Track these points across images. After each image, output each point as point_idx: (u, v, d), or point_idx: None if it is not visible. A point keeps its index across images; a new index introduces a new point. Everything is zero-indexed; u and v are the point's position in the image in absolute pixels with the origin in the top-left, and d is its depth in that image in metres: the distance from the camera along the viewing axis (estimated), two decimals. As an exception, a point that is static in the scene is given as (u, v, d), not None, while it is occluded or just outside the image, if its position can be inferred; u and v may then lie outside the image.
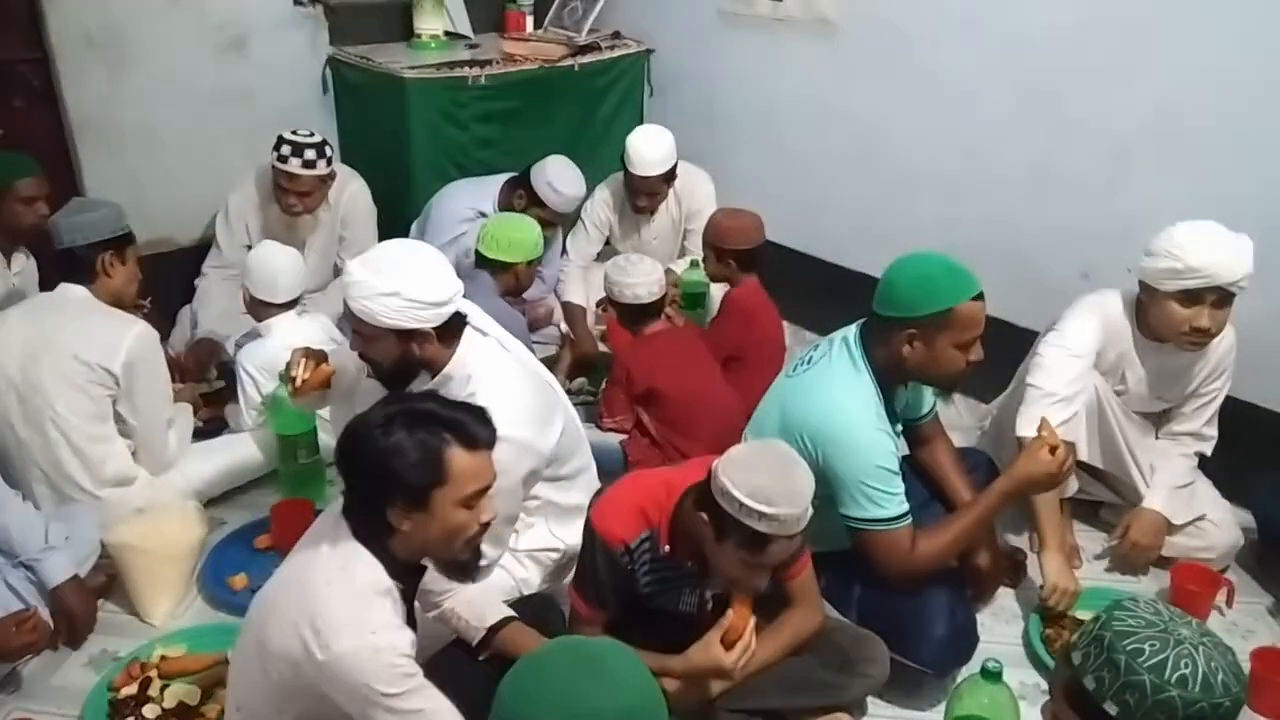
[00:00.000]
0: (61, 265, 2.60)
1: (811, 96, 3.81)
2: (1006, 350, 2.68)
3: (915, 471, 2.47)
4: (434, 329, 2.06)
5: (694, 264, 3.55)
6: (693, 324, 3.35)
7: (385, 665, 1.54)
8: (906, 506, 2.15)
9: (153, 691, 2.17)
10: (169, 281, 3.54)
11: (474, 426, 1.60)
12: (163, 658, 2.26)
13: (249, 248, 3.55)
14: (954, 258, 2.16)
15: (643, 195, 3.59)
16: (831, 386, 2.20)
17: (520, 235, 3.05)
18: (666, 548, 1.94)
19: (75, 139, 3.51)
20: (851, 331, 2.28)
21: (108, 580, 2.47)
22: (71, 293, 2.57)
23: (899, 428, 2.35)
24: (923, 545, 2.15)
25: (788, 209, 3.79)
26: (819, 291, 3.71)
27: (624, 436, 2.93)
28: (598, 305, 3.83)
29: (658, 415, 2.88)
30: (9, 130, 3.43)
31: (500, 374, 2.15)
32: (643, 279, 2.85)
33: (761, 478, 1.76)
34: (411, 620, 1.72)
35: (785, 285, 3.32)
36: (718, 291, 3.50)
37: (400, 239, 2.13)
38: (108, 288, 2.60)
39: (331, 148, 3.41)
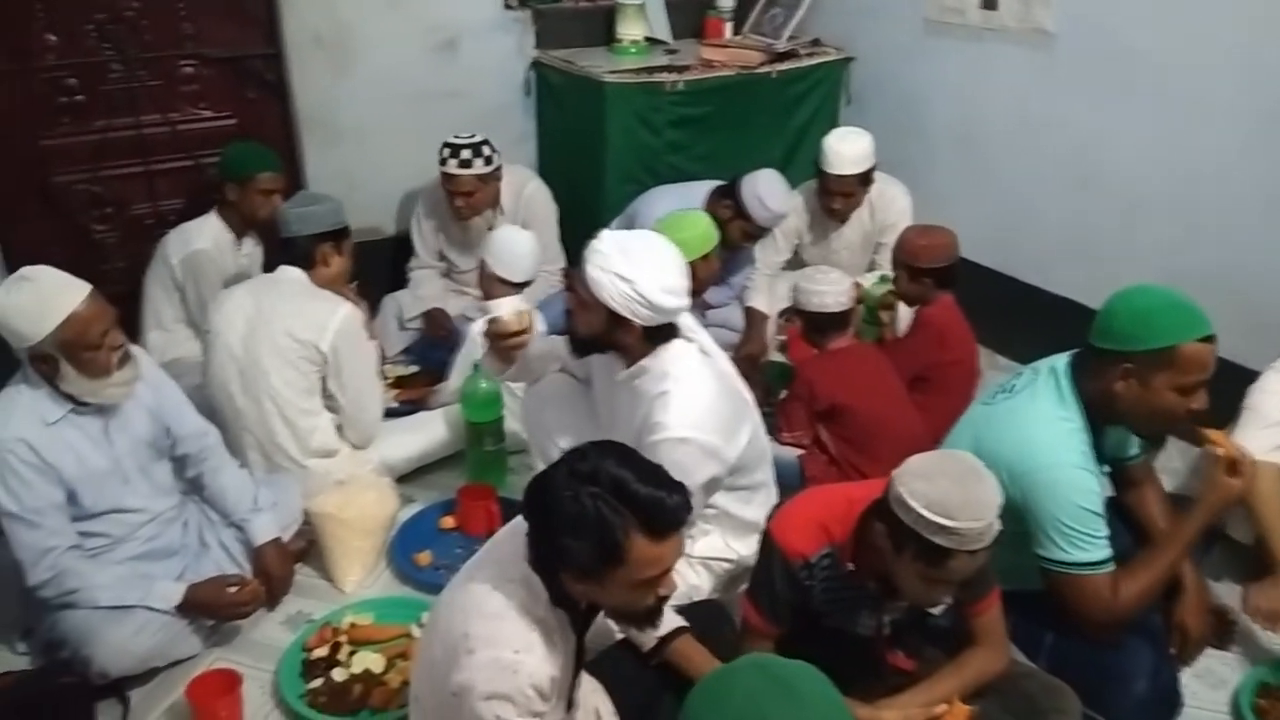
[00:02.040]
0: (284, 251, 2.79)
1: (1022, 110, 3.64)
2: (1232, 396, 2.48)
3: (1121, 516, 2.31)
4: (644, 327, 2.08)
5: (882, 279, 3.45)
6: (874, 343, 3.26)
7: (515, 688, 1.51)
8: (1110, 552, 2.02)
9: (341, 656, 2.30)
10: (375, 268, 3.73)
11: (666, 507, 1.49)
12: (352, 625, 2.39)
13: (441, 253, 3.74)
14: (1182, 293, 2.01)
15: (837, 197, 3.50)
16: (1034, 417, 2.09)
17: (686, 235, 2.96)
18: (850, 566, 1.89)
19: (301, 131, 3.76)
20: (1062, 361, 2.15)
21: (306, 546, 2.64)
22: (289, 274, 2.76)
23: (1106, 468, 2.20)
24: (1124, 589, 2.01)
25: (988, 227, 3.64)
26: (1017, 315, 3.55)
27: (802, 452, 2.87)
28: (780, 315, 3.81)
29: (839, 433, 2.82)
30: (241, 120, 3.72)
31: (695, 377, 2.15)
32: (831, 288, 2.80)
33: (942, 488, 1.69)
34: (580, 652, 1.71)
35: (981, 306, 3.18)
36: (904, 311, 3.41)
37: (656, 235, 2.14)
38: (323, 275, 2.78)
39: (491, 148, 3.48)
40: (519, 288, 3.00)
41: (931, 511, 1.67)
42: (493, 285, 3.01)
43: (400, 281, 3.81)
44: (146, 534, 2.37)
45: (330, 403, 2.77)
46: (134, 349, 2.29)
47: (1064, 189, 3.56)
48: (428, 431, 3.03)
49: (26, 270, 2.15)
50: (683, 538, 1.56)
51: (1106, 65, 3.34)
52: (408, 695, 2.15)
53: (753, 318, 3.67)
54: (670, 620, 1.97)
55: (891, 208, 3.63)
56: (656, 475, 1.53)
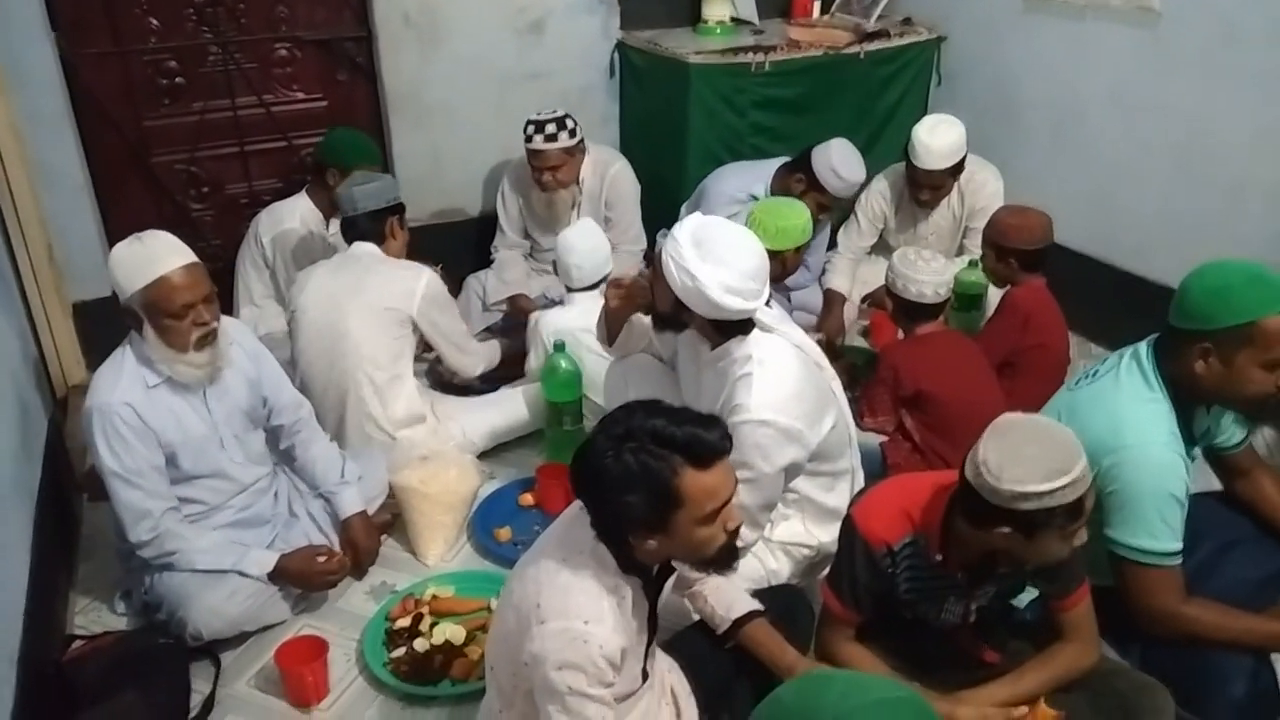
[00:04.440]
0: (354, 228, 2.87)
1: (1123, 91, 3.51)
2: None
3: (1230, 507, 2.23)
4: (707, 319, 2.07)
5: (972, 264, 3.37)
6: (963, 330, 3.18)
7: (585, 658, 1.53)
8: (1178, 547, 1.95)
9: (423, 627, 2.34)
10: (460, 248, 3.79)
11: (705, 440, 1.52)
12: (434, 596, 2.43)
13: (525, 231, 3.77)
14: (1263, 267, 1.93)
15: (926, 189, 3.45)
16: (1120, 400, 2.03)
17: (788, 223, 2.98)
18: (939, 556, 1.85)
19: (388, 112, 3.82)
20: (1144, 346, 2.09)
21: (391, 519, 2.69)
22: (364, 249, 2.85)
23: (1195, 452, 2.12)
24: (1200, 613, 1.96)
25: (1083, 210, 3.53)
26: (1112, 301, 3.44)
27: (884, 439, 2.83)
28: (861, 301, 3.75)
29: (923, 420, 2.76)
30: (331, 101, 3.80)
31: (779, 361, 2.12)
32: (931, 278, 2.73)
33: (1034, 456, 1.66)
34: (653, 619, 1.72)
35: (1075, 292, 3.08)
36: (994, 296, 3.33)
37: (738, 228, 2.11)
38: (392, 248, 2.89)
39: (574, 121, 3.51)
40: (590, 289, 3.04)
41: (1050, 481, 1.63)
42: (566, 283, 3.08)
43: (484, 261, 3.85)
44: (240, 503, 2.44)
45: (416, 365, 2.88)
46: (233, 322, 2.35)
47: (1164, 172, 3.43)
48: (507, 409, 3.06)
49: (150, 231, 2.25)
50: (731, 466, 1.57)
51: (1213, 46, 3.20)
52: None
53: (831, 300, 3.62)
54: (745, 603, 1.96)
55: (982, 191, 3.55)
56: (688, 414, 1.56)
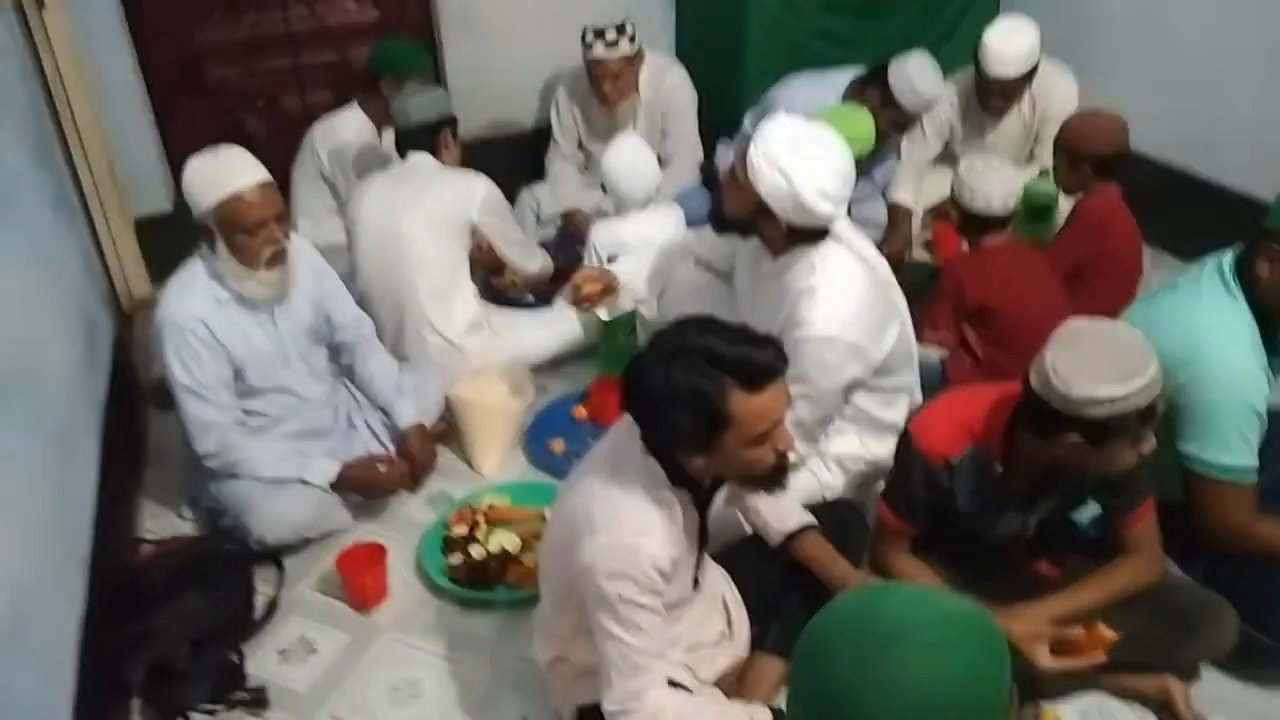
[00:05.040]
0: (408, 141, 2.85)
1: (1213, -13, 3.29)
2: None
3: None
4: (788, 224, 2.01)
5: (1043, 173, 3.24)
6: (1032, 242, 3.07)
7: (637, 569, 1.53)
8: (1254, 463, 1.88)
9: (479, 534, 2.37)
10: (512, 161, 3.73)
11: (757, 361, 1.48)
12: (490, 506, 2.46)
13: (580, 142, 3.70)
14: None
15: (996, 97, 3.29)
16: (1200, 311, 1.96)
17: (854, 132, 2.86)
18: (999, 469, 1.81)
19: (440, 21, 3.75)
20: (1227, 255, 1.99)
21: (447, 430, 2.72)
22: (422, 159, 2.84)
23: (1278, 365, 2.03)
24: (1273, 530, 1.90)
25: (1164, 116, 3.34)
26: (1190, 213, 3.28)
27: (945, 353, 2.76)
28: (927, 213, 3.63)
29: (986, 335, 2.68)
30: (384, 12, 3.74)
31: (844, 273, 2.07)
32: (999, 188, 2.62)
33: (1104, 360, 1.61)
34: (703, 531, 1.72)
35: (1151, 202, 2.94)
36: (1064, 210, 3.20)
37: (829, 130, 2.04)
38: (448, 159, 2.87)
39: (634, 27, 3.40)
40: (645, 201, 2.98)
41: (1121, 386, 1.59)
42: (621, 204, 3.03)
43: (537, 174, 3.80)
44: (302, 415, 2.48)
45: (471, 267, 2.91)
46: (299, 240, 2.35)
47: (1254, 76, 3.22)
48: (561, 326, 3.05)
49: (224, 146, 2.26)
50: (784, 387, 1.53)
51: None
52: (540, 574, 2.24)
53: (896, 214, 3.51)
54: (799, 516, 1.94)
55: (1054, 97, 3.37)
56: (742, 334, 1.52)
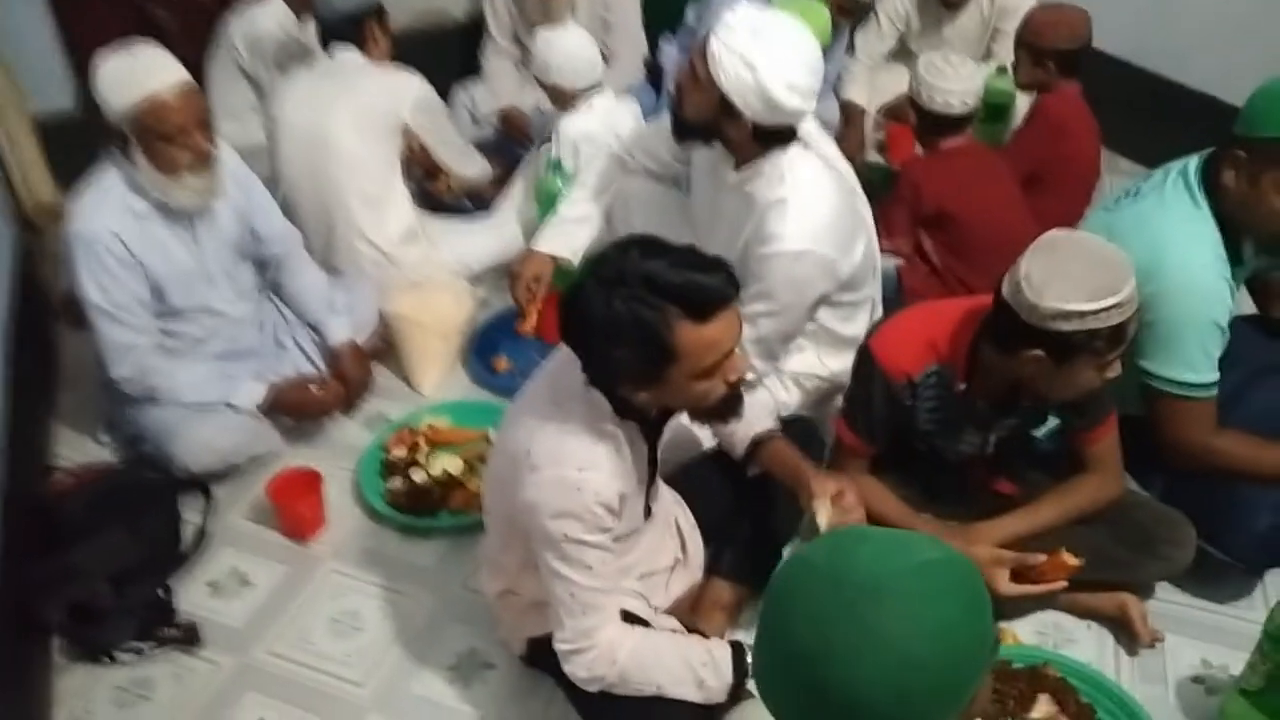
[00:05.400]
0: (332, 33, 2.63)
1: None
2: None
3: (1265, 332, 2.11)
4: (755, 124, 1.86)
5: (1000, 70, 3.12)
6: (986, 143, 2.97)
7: (582, 506, 1.44)
8: (1215, 377, 1.84)
9: (420, 458, 2.27)
10: (441, 57, 3.49)
11: (706, 288, 1.35)
12: (430, 427, 2.35)
13: (515, 36, 3.47)
14: None
15: (953, -13, 3.15)
16: (1164, 220, 1.88)
17: (809, 24, 2.72)
18: (962, 385, 1.75)
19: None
20: (1193, 161, 1.91)
21: (383, 347, 2.58)
22: (347, 54, 2.63)
23: (1240, 276, 1.98)
24: (1232, 445, 1.86)
25: (1121, 10, 3.20)
26: (1148, 112, 3.19)
27: (900, 262, 2.67)
28: (878, 113, 3.51)
29: (944, 242, 2.60)
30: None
31: (815, 184, 1.94)
32: (960, 85, 2.49)
33: (1080, 274, 1.54)
34: (653, 461, 1.63)
35: (1106, 101, 2.84)
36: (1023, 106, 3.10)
37: (797, 22, 1.87)
38: (375, 54, 2.66)
39: None
40: (585, 92, 2.79)
41: (1096, 300, 1.52)
42: (559, 97, 2.81)
43: (471, 71, 3.57)
44: (227, 335, 2.33)
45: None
46: (223, 146, 2.15)
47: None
48: (501, 233, 2.90)
49: (138, 42, 2.05)
50: (735, 313, 1.42)
51: None
52: (485, 502, 2.15)
53: (849, 112, 3.37)
54: (765, 421, 1.83)
55: (1013, -12, 3.24)
56: (689, 257, 1.39)
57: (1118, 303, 1.52)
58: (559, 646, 1.55)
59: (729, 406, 1.51)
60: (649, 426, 1.57)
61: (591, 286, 1.38)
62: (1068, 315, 1.52)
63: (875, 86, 3.45)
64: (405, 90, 2.59)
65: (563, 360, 1.54)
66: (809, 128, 2.01)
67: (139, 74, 1.99)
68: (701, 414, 1.54)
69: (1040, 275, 1.54)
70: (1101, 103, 2.79)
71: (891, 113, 3.45)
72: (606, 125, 2.63)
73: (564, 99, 2.76)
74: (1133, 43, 3.28)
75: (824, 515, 1.57)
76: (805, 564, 0.95)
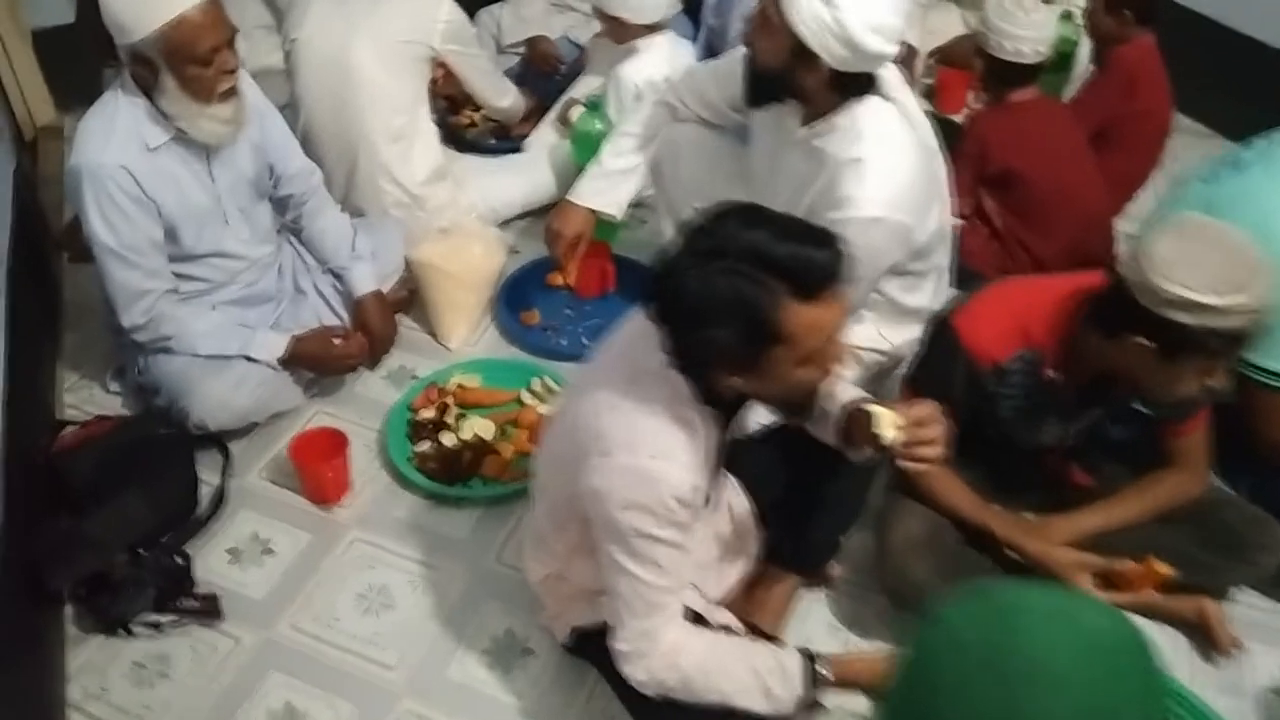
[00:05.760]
0: None
1: None
2: None
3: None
4: (833, 70, 1.69)
5: (1065, 15, 2.92)
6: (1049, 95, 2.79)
7: (654, 499, 1.31)
8: None
9: (449, 419, 2.14)
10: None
11: (816, 262, 1.21)
12: (460, 386, 2.22)
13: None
14: None
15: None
16: (1275, 194, 1.73)
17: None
18: (1051, 373, 1.61)
19: None
20: None
21: (408, 295, 2.43)
22: None
23: None
24: None
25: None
26: (1225, 72, 2.99)
27: (959, 222, 2.51)
28: (929, 55, 3.31)
29: (1007, 203, 2.44)
30: None
31: (894, 143, 1.78)
32: (1032, 32, 2.31)
33: (1213, 263, 1.40)
34: (723, 448, 1.49)
35: (1177, 58, 2.66)
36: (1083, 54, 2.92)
37: None
38: None
39: None
40: (648, 30, 2.58)
41: (1218, 294, 1.38)
42: (618, 32, 2.62)
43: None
44: (244, 280, 2.17)
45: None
46: (242, 84, 1.98)
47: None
48: (532, 175, 2.72)
49: None
50: (843, 293, 1.27)
51: None
52: (520, 468, 2.03)
53: (900, 54, 3.16)
54: (852, 390, 1.57)
55: (1083, -72, 3.02)
56: (794, 227, 1.25)
57: (1246, 304, 1.38)
58: (617, 646, 1.44)
59: (811, 401, 1.37)
60: (727, 413, 1.44)
61: (685, 259, 1.23)
62: (1188, 305, 1.39)
63: (927, 27, 3.25)
64: (435, 15, 2.39)
65: (638, 332, 1.39)
66: (890, 74, 1.84)
67: None
68: (789, 406, 1.40)
69: (1168, 256, 1.40)
70: (1173, 60, 2.60)
71: (944, 57, 3.27)
72: (670, 69, 2.44)
73: (623, 35, 2.57)
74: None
75: (888, 427, 1.34)
76: (953, 641, 0.81)
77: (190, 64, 1.84)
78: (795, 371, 1.28)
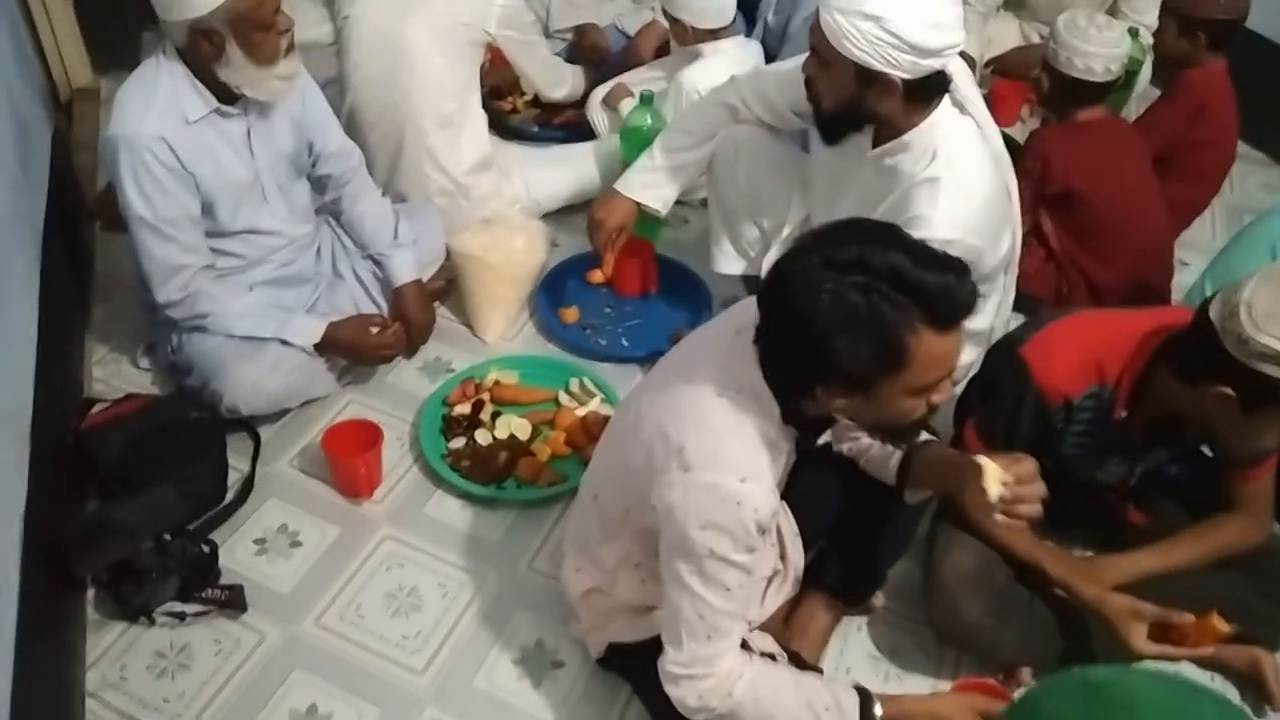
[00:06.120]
0: None
1: None
2: None
3: None
4: (904, 81, 1.62)
5: (1131, 33, 2.83)
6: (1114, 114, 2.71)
7: (736, 521, 1.27)
8: None
9: (484, 416, 2.09)
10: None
11: (957, 295, 1.17)
12: (496, 382, 2.16)
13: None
14: None
15: (1095, -66, 2.85)
16: None
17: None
18: (1124, 413, 1.55)
19: None
20: None
21: (446, 285, 2.37)
22: None
23: None
24: None
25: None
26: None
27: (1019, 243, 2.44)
28: (985, 66, 3.23)
29: (1066, 224, 2.37)
30: None
31: (972, 164, 1.72)
32: (1104, 49, 2.24)
33: None
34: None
35: (1252, 88, 2.58)
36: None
37: None
38: None
39: None
40: (713, 34, 2.53)
41: None
42: (682, 35, 2.58)
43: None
44: (281, 258, 2.12)
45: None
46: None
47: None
48: (577, 168, 2.65)
49: None
50: (965, 330, 1.24)
51: None
52: (555, 471, 1.98)
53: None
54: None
55: (1155, -57, 2.94)
56: (936, 257, 1.20)
57: None
58: (670, 669, 1.38)
59: (917, 429, 1.35)
60: (805, 437, 1.38)
61: (817, 267, 1.18)
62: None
63: (985, 36, 3.17)
64: None
65: (728, 345, 1.34)
66: (963, 80, 1.77)
67: None
68: (887, 433, 1.37)
69: (1265, 306, 1.34)
70: (1247, 89, 2.53)
71: (1000, 67, 3.19)
72: (733, 73, 2.37)
73: (686, 38, 2.54)
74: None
75: (994, 482, 1.30)
76: None
77: (256, 30, 1.80)
78: (904, 400, 1.24)
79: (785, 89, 1.98)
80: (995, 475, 1.30)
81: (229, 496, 1.92)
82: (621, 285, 2.44)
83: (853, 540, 1.70)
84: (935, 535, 1.75)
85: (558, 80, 2.64)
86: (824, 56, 1.66)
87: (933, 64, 1.62)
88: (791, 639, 1.69)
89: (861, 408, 1.26)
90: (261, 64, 1.84)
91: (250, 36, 1.80)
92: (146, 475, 1.78)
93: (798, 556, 1.71)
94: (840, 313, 1.16)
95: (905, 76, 1.62)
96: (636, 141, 2.47)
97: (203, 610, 1.73)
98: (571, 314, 2.39)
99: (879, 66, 1.60)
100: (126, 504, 1.73)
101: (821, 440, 1.49)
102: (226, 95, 1.89)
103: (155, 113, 1.84)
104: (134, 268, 2.01)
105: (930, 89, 1.67)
